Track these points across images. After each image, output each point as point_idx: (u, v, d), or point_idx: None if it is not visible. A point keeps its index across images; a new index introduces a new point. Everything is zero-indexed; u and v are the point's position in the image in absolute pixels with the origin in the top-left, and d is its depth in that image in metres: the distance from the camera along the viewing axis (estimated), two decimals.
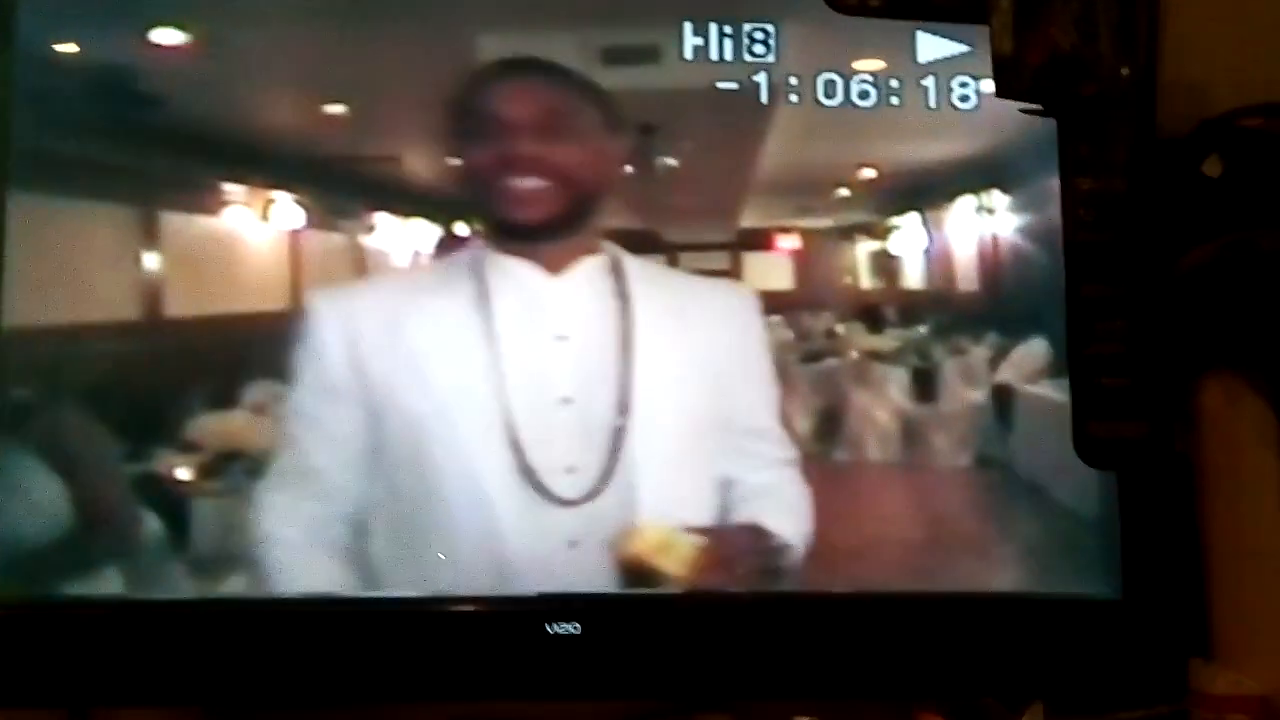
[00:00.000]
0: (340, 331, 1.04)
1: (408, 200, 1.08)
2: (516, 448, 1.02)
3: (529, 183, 1.03)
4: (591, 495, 1.02)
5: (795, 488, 1.05)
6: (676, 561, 1.01)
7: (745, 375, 1.06)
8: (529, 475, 1.01)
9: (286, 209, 1.07)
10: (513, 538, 1.01)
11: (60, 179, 1.04)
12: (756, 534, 1.03)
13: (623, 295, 1.05)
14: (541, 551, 1.01)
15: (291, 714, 1.04)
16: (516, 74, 1.06)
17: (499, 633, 1.00)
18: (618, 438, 1.02)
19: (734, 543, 1.03)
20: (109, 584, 1.01)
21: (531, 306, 1.04)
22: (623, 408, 1.03)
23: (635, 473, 1.02)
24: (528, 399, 1.02)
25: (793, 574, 1.03)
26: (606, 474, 1.02)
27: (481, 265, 1.05)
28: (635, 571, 1.01)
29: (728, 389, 1.06)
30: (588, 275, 1.06)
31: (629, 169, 1.06)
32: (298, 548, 1.03)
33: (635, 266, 1.06)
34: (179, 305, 1.07)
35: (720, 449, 1.05)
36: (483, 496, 1.01)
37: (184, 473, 1.05)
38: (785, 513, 1.04)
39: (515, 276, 1.05)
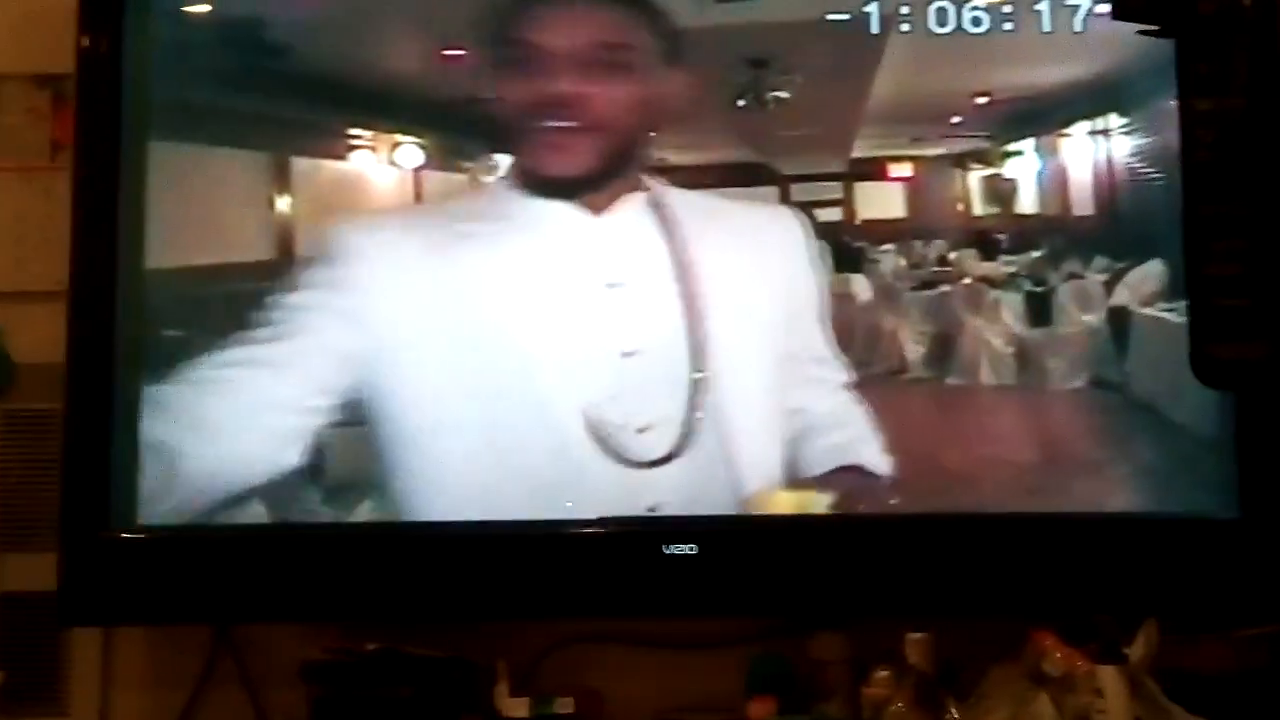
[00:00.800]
0: (372, 258, 0.98)
1: None
2: (581, 408, 0.94)
3: (567, 128, 0.92)
4: (670, 457, 0.95)
5: (857, 410, 1.02)
6: None
7: (805, 302, 1.02)
8: (599, 439, 0.94)
9: (410, 151, 1.11)
10: (584, 507, 0.96)
11: (197, 127, 1.09)
12: (863, 474, 1.02)
13: (669, 232, 0.98)
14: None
15: (418, 630, 1.08)
16: None
17: (619, 553, 1.02)
18: (697, 391, 0.95)
19: (851, 488, 1.02)
20: (253, 511, 1.06)
21: (574, 251, 0.96)
22: (697, 359, 0.96)
23: (723, 426, 0.96)
24: (583, 353, 0.95)
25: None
26: (687, 432, 0.95)
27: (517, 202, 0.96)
28: None
29: (793, 318, 1.02)
30: (632, 214, 0.98)
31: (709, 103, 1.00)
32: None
33: (677, 198, 1.00)
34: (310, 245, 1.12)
35: (792, 380, 1.01)
36: (553, 445, 0.95)
37: None
38: (864, 441, 1.01)
39: (551, 218, 0.95)
